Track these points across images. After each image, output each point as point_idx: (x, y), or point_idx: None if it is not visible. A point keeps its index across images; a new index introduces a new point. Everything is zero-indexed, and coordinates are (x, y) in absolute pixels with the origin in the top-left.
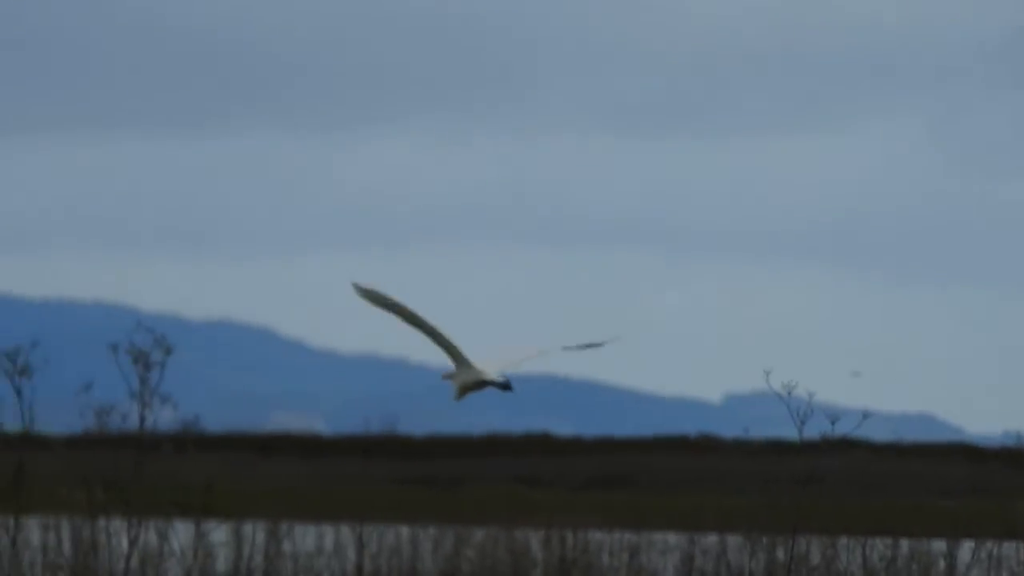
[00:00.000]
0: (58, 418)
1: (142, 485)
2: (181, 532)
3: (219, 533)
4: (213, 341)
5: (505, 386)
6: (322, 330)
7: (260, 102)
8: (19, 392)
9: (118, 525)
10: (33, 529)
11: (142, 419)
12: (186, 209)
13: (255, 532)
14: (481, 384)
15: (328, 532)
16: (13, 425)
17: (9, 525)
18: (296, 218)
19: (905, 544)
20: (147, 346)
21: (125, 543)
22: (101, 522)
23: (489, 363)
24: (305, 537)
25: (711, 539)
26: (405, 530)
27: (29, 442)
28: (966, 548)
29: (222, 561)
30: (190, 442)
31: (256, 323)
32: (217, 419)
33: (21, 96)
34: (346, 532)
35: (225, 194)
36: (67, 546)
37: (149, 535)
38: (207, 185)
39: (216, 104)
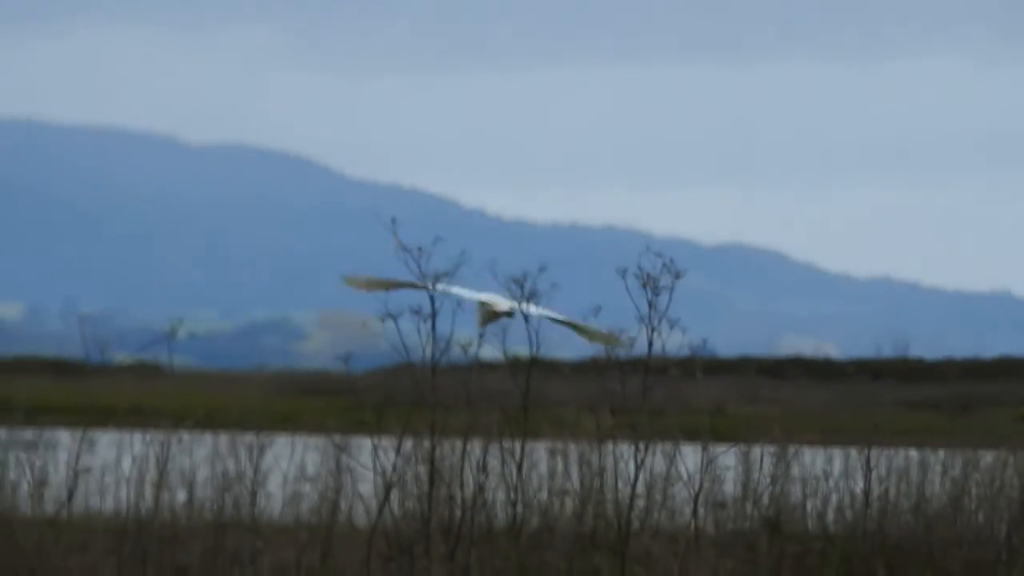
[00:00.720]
0: (567, 342)
1: (650, 409)
2: (689, 456)
3: (727, 457)
4: (725, 265)
5: (508, 314)
6: (835, 253)
7: (790, 31)
8: (527, 317)
9: (625, 449)
10: (541, 454)
11: (650, 343)
12: (701, 135)
13: (763, 456)
14: (495, 315)
15: (836, 455)
16: (522, 349)
17: (516, 450)
18: (815, 144)
19: None
20: (657, 270)
21: (632, 467)
22: (608, 446)
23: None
24: (814, 460)
25: None
26: (914, 453)
27: (537, 366)
28: None
29: (730, 484)
30: (699, 366)
31: (768, 246)
32: (728, 343)
33: (558, 30)
34: (854, 455)
35: (743, 121)
36: (574, 471)
37: (656, 459)
38: (723, 113)
39: (745, 33)
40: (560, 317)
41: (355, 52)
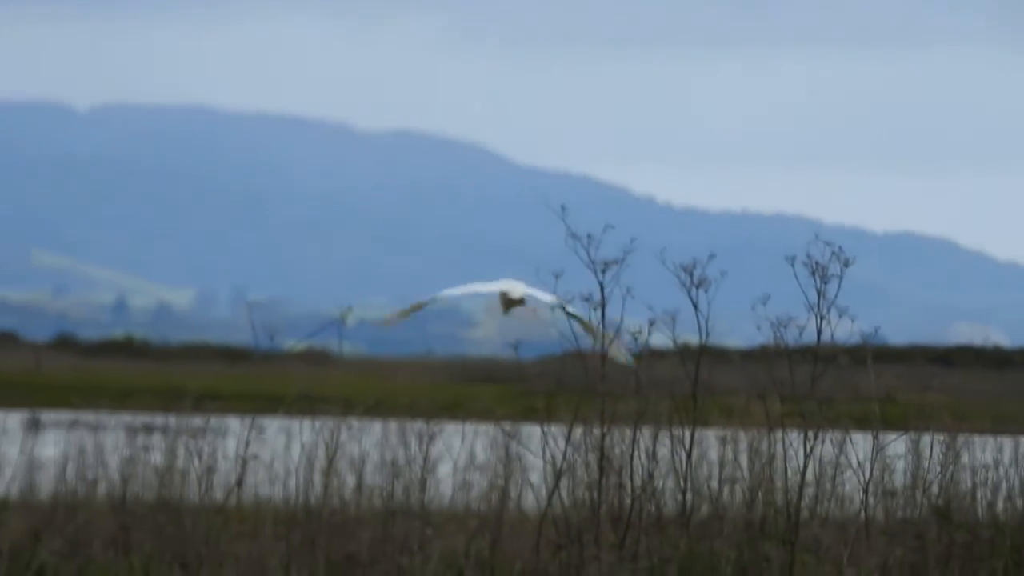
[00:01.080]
0: (736, 330)
1: (820, 397)
2: (859, 444)
3: (897, 445)
4: (895, 253)
5: (521, 301)
6: (1005, 241)
7: (959, 18)
8: (696, 305)
9: (795, 438)
10: (710, 442)
11: (819, 331)
12: (871, 122)
13: (933, 444)
14: (512, 302)
15: (1006, 444)
16: (691, 337)
17: (686, 438)
18: (986, 132)
19: None
20: (826, 258)
21: (801, 455)
22: (778, 435)
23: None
24: (983, 449)
25: None
26: None
27: (707, 354)
28: None
29: (899, 473)
30: (869, 354)
31: (938, 235)
32: (898, 331)
33: (729, 17)
34: (1023, 444)
35: (913, 108)
36: (744, 459)
37: (826, 447)
38: (893, 100)
39: (914, 20)
40: (572, 311)
41: (526, 39)
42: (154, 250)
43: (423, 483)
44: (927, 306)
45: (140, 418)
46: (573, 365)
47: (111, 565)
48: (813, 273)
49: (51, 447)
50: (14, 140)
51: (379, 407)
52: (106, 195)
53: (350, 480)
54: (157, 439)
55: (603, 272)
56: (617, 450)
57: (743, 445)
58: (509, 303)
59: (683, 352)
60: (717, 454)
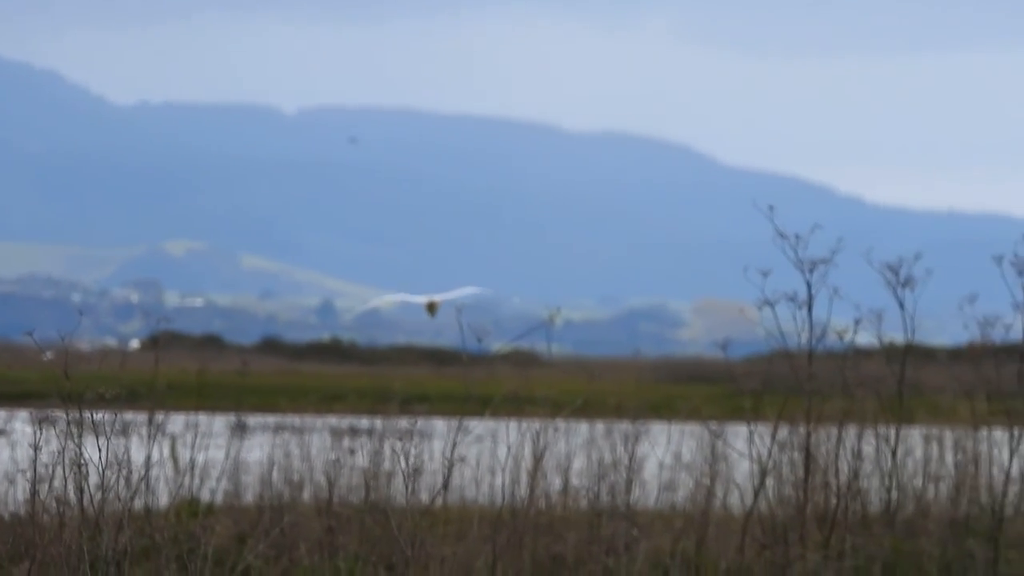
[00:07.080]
0: (942, 329)
1: None
2: None
3: None
4: None
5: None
6: None
7: None
8: (902, 304)
9: (1000, 436)
10: (916, 440)
11: None
12: None
13: None
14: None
15: None
16: (897, 336)
17: (891, 436)
18: None
19: None
20: None
21: (1007, 453)
22: (983, 433)
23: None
24: None
25: None
26: None
27: (913, 353)
28: None
29: None
30: None
31: None
32: None
33: (943, 13)
34: None
35: None
36: (949, 457)
37: None
38: None
39: None
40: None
41: (733, 41)
42: (361, 253)
43: (629, 483)
44: None
45: (346, 420)
46: (780, 364)
47: (317, 567)
48: (1021, 272)
49: (257, 450)
50: (224, 144)
51: (586, 408)
52: (313, 199)
53: (556, 481)
54: (363, 441)
55: (810, 271)
56: (823, 449)
57: (948, 443)
58: (430, 307)
59: (889, 351)
60: (922, 452)
